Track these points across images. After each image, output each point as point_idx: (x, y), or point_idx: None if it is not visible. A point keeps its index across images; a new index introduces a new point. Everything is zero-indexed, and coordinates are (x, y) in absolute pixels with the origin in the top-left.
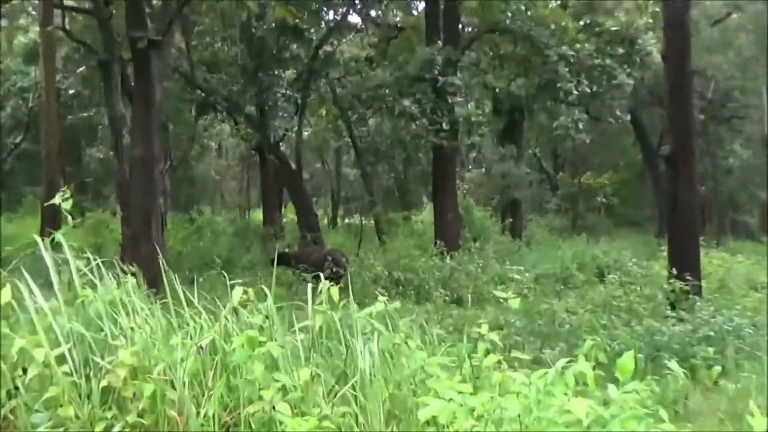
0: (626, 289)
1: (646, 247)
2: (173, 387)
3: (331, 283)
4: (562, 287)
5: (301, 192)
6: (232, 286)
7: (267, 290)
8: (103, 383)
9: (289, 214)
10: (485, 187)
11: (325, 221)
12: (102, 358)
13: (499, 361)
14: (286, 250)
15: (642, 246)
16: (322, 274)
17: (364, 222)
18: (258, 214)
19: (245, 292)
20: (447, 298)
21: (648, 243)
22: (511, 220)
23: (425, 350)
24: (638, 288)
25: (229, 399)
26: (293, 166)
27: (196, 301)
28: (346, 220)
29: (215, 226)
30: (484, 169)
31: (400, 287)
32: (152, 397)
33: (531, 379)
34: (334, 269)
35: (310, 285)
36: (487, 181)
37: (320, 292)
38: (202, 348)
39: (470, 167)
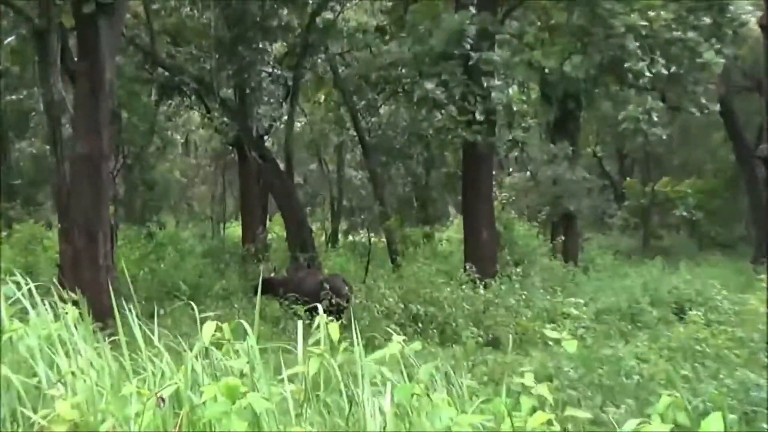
0: (713, 331)
1: (740, 276)
2: None
3: (330, 318)
4: (629, 327)
5: (292, 200)
6: (203, 321)
7: (247, 326)
8: None
9: (276, 229)
10: (531, 197)
11: (323, 238)
12: (35, 410)
13: (548, 421)
14: (272, 275)
15: (734, 274)
16: (319, 306)
17: (373, 239)
18: (236, 229)
19: (219, 329)
20: (480, 339)
21: (742, 271)
22: (563, 238)
23: (453, 405)
24: (729, 329)
25: None
26: (282, 166)
27: (155, 339)
28: (350, 237)
29: (180, 244)
30: (529, 173)
31: (420, 324)
32: None
33: None
34: (334, 300)
35: (301, 321)
36: (534, 189)
37: (316, 329)
38: (163, 400)
39: (511, 170)
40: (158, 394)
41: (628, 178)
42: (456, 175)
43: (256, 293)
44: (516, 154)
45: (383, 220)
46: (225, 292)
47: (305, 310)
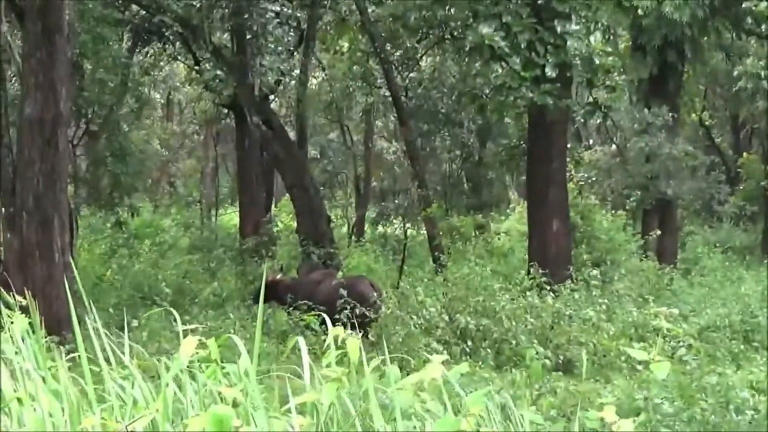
0: None
1: None
2: None
3: (353, 333)
4: (743, 347)
5: (305, 180)
6: (184, 334)
7: (239, 342)
8: None
9: (284, 217)
10: (616, 177)
11: (344, 229)
12: None
13: None
14: (279, 276)
15: None
16: (336, 318)
17: (410, 232)
18: (232, 217)
19: (202, 344)
20: (548, 361)
21: None
22: (658, 233)
23: None
24: None
25: None
26: (292, 135)
27: (126, 358)
28: (380, 228)
29: (160, 235)
30: (614, 146)
31: (470, 342)
32: None
33: None
34: (358, 309)
35: (301, 338)
36: (620, 167)
37: (330, 346)
38: None
39: (591, 143)
40: (129, 428)
41: (745, 154)
42: (519, 149)
43: (256, 300)
44: (598, 121)
45: (423, 206)
46: (217, 298)
47: (321, 323)
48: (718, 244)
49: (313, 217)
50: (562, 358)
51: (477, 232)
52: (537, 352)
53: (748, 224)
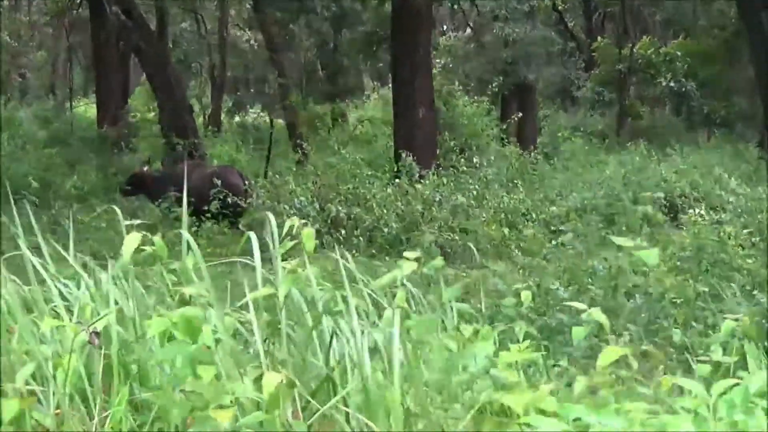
0: (722, 232)
1: (744, 164)
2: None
3: (225, 222)
4: (608, 231)
5: (167, 71)
6: (129, 229)
7: (191, 240)
8: None
9: (140, 107)
10: (476, 63)
11: (200, 120)
12: None
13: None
14: (146, 168)
15: (735, 161)
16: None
17: (267, 120)
18: (86, 109)
19: (145, 241)
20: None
21: (745, 156)
22: (519, 116)
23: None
24: (735, 229)
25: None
26: (152, 25)
27: (70, 258)
28: (237, 118)
29: (17, 128)
30: (472, 32)
31: (342, 231)
32: (16, 421)
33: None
34: (230, 200)
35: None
36: (480, 53)
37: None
38: (97, 335)
39: (453, 29)
40: (91, 329)
41: (599, 38)
42: (379, 36)
43: (125, 192)
44: (457, 6)
45: (282, 95)
46: (79, 192)
47: (191, 214)
48: (576, 129)
49: (175, 108)
50: (434, 245)
51: (337, 120)
52: (432, 235)
53: (605, 109)
